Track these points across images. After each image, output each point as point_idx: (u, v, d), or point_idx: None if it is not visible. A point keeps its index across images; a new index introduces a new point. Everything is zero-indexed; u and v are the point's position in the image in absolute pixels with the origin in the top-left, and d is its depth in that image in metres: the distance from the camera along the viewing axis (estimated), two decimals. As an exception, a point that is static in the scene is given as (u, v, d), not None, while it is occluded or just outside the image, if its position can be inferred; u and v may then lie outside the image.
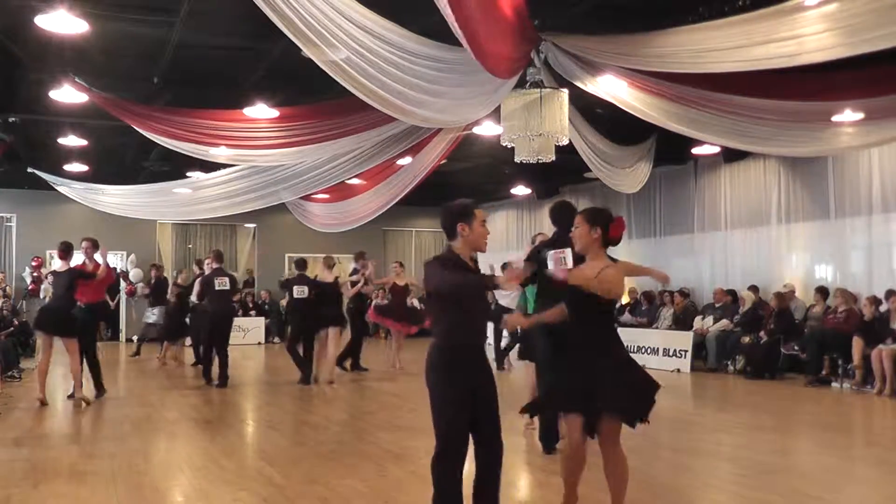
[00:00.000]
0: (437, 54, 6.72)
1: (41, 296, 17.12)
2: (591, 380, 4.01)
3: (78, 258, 9.30)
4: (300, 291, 11.06)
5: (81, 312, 9.24)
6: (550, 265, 5.03)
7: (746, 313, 12.24)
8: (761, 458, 6.15)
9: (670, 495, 5.14)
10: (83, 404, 8.73)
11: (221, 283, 10.71)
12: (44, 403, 8.59)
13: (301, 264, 11.49)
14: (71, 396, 9.04)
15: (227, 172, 12.32)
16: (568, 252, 5.01)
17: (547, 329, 5.94)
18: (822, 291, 11.37)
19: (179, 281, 13.92)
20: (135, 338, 15.58)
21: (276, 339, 18.34)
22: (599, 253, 4.15)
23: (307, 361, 10.95)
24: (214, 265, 10.99)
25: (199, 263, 13.97)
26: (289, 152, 9.77)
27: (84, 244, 9.37)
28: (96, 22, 7.21)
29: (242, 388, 10.66)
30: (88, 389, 9.12)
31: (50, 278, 10.37)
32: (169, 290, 13.84)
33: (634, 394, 4.05)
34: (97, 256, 9.41)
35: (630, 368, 4.12)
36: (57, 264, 9.07)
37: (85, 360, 9.14)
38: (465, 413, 3.96)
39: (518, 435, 6.94)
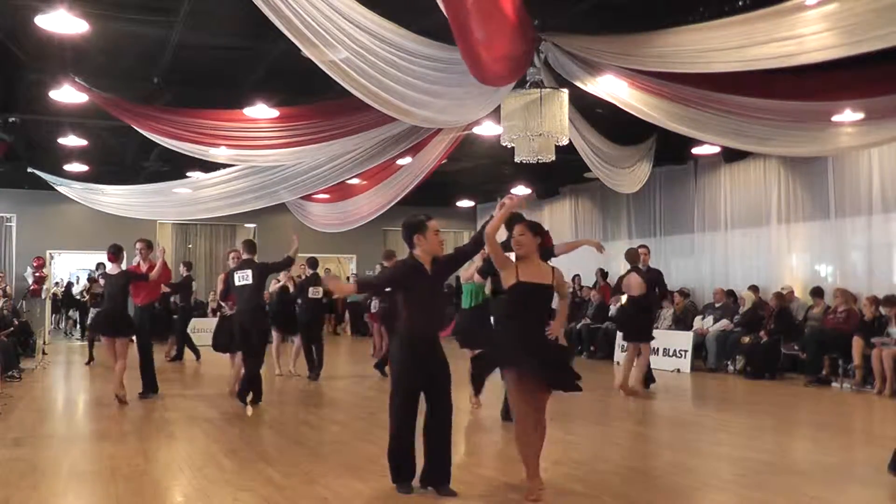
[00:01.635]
0: (437, 54, 6.72)
1: (42, 296, 17.16)
2: None
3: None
4: (315, 292, 11.02)
5: (138, 313, 9.40)
6: None
7: (746, 313, 12.23)
8: (761, 458, 6.15)
9: (670, 495, 5.13)
10: (118, 403, 8.68)
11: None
12: (123, 402, 8.66)
13: (313, 264, 11.43)
14: (145, 395, 9.19)
15: (227, 172, 12.31)
16: None
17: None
18: (818, 293, 11.37)
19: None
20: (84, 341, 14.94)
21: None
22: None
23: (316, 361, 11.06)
24: (245, 256, 9.25)
25: (188, 265, 14.26)
26: (289, 152, 9.77)
27: (138, 245, 9.57)
28: (96, 22, 7.21)
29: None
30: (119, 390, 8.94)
31: (102, 280, 10.46)
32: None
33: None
34: (153, 257, 9.52)
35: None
36: (108, 266, 9.13)
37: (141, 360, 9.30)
38: (413, 402, 4.84)
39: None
